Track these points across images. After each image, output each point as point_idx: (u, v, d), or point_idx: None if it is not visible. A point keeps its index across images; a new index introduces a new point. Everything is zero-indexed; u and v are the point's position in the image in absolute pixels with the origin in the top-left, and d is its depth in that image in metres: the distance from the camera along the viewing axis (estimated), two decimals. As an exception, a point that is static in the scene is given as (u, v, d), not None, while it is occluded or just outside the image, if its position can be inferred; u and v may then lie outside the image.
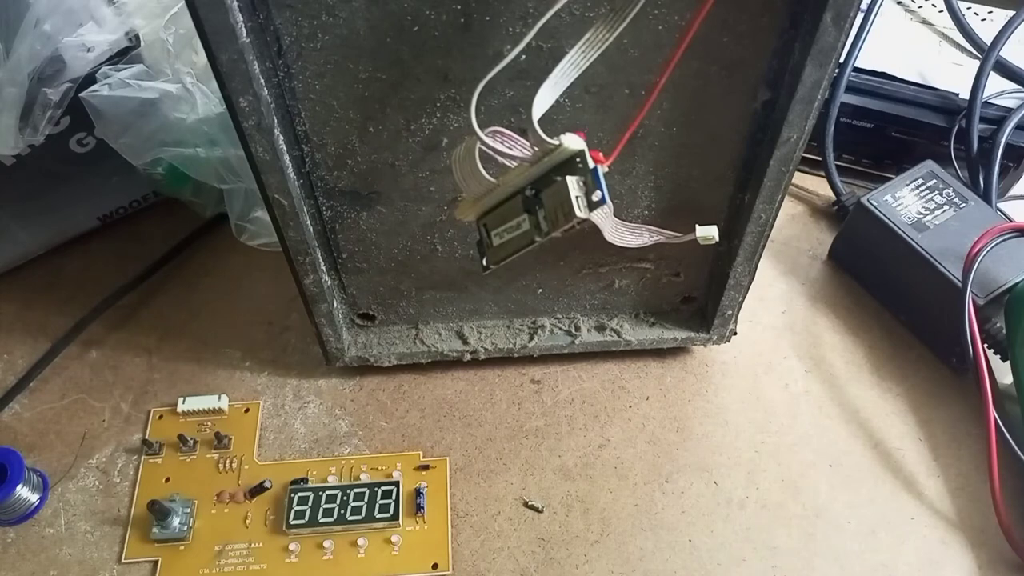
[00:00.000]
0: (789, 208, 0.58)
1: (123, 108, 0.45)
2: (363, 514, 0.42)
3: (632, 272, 0.45)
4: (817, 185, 0.59)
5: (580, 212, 0.27)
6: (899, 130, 0.55)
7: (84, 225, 0.55)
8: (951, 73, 0.57)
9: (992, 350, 0.47)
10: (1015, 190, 0.56)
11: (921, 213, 0.49)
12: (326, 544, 0.42)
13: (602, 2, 0.30)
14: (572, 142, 0.27)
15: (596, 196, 0.27)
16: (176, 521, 0.42)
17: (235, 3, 0.28)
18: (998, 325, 0.46)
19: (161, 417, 0.47)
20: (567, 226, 0.27)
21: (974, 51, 0.59)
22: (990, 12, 0.61)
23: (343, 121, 0.34)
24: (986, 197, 0.52)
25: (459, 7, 0.30)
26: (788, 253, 0.55)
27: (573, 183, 0.27)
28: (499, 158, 0.29)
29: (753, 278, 0.43)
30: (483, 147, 0.29)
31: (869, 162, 0.58)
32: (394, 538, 0.42)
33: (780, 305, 0.53)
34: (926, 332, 0.50)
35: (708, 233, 0.33)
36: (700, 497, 0.44)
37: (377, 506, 0.43)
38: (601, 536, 0.43)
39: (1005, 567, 0.42)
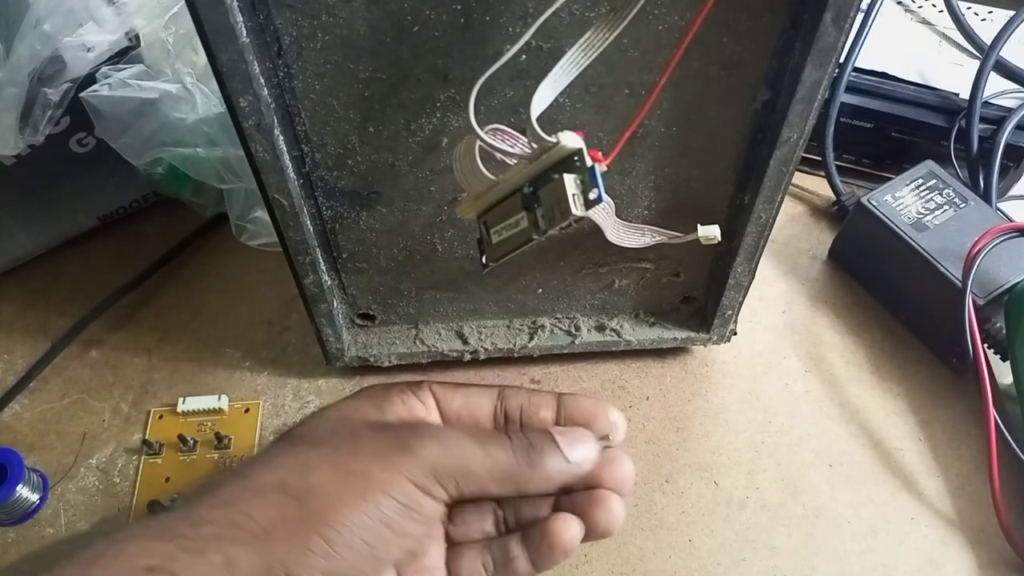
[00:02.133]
0: (789, 208, 0.58)
1: (123, 108, 0.45)
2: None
3: (632, 272, 0.45)
4: (817, 185, 0.59)
5: (576, 210, 0.27)
6: (899, 130, 0.55)
7: (84, 225, 0.55)
8: (951, 73, 0.57)
9: (992, 350, 0.47)
10: (1015, 190, 0.56)
11: (921, 213, 0.49)
12: (326, 544, 0.42)
13: (602, 2, 0.30)
14: (570, 140, 0.27)
15: (593, 194, 0.27)
16: (176, 521, 0.42)
17: (235, 3, 0.28)
18: (998, 325, 0.46)
19: (161, 417, 0.47)
20: (564, 224, 0.27)
21: (974, 51, 0.59)
22: (990, 12, 0.61)
23: (343, 121, 0.34)
24: (986, 197, 0.52)
25: (459, 7, 0.30)
26: (788, 253, 0.55)
27: (570, 181, 0.27)
28: (499, 156, 0.29)
29: (753, 278, 0.43)
30: (483, 145, 0.29)
31: (869, 162, 0.58)
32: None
33: (780, 305, 0.53)
34: (926, 332, 0.50)
35: (710, 233, 0.33)
36: (700, 497, 0.44)
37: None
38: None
39: (1005, 567, 0.42)
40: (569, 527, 0.30)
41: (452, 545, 0.33)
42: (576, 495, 0.31)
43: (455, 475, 0.29)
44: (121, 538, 0.25)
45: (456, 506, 0.33)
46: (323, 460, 0.28)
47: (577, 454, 0.31)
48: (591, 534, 0.31)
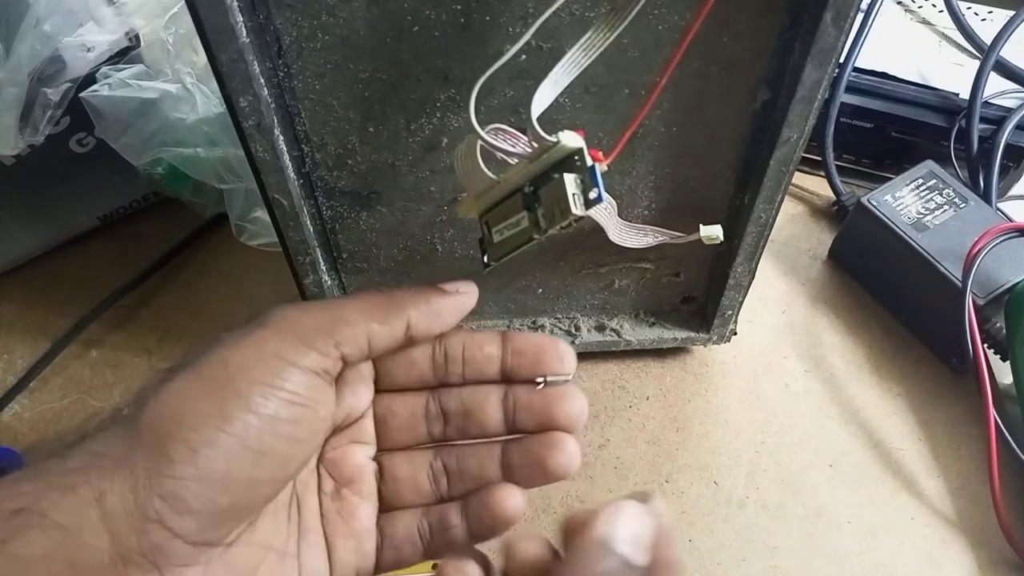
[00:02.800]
0: (789, 208, 0.58)
1: (123, 108, 0.45)
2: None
3: (632, 272, 0.45)
4: (817, 185, 0.59)
5: (576, 210, 0.27)
6: (899, 130, 0.55)
7: (84, 225, 0.55)
8: (951, 73, 0.57)
9: (992, 350, 0.47)
10: (1015, 190, 0.56)
11: (921, 213, 0.49)
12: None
13: (602, 2, 0.30)
14: (570, 140, 0.27)
15: (593, 194, 0.27)
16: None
17: (235, 3, 0.28)
18: (998, 325, 0.46)
19: (161, 417, 0.47)
20: (564, 223, 0.27)
21: (974, 51, 0.59)
22: (990, 12, 0.61)
23: (343, 121, 0.34)
24: (986, 197, 0.52)
25: (459, 7, 0.30)
26: (788, 253, 0.55)
27: (570, 180, 0.27)
28: (500, 155, 0.29)
29: (753, 278, 0.43)
30: (484, 144, 0.29)
31: (869, 162, 0.58)
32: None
33: (780, 305, 0.53)
34: (926, 332, 0.50)
35: (712, 233, 0.33)
36: (700, 497, 0.44)
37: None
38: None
39: (1005, 567, 0.42)
40: (512, 496, 0.29)
41: (386, 509, 0.31)
42: (528, 440, 0.29)
43: (323, 328, 0.26)
44: None
45: (385, 455, 0.31)
46: (179, 371, 0.25)
47: (455, 284, 0.30)
48: (548, 478, 0.29)
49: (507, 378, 0.30)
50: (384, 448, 0.31)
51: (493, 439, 0.30)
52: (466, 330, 0.31)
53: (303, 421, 0.26)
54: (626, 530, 0.24)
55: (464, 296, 0.30)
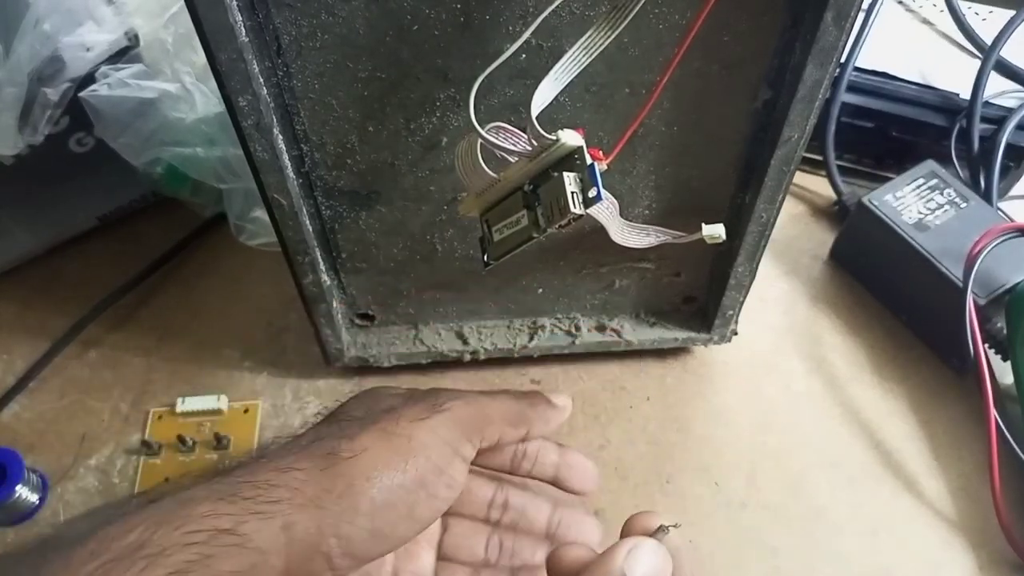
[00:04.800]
0: (790, 208, 0.58)
1: (122, 108, 0.45)
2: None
3: (633, 272, 0.44)
4: (818, 185, 0.58)
5: (575, 208, 0.27)
6: (900, 130, 0.55)
7: (83, 225, 0.55)
8: (952, 73, 0.57)
9: (993, 350, 0.47)
10: (1016, 190, 0.56)
11: (922, 213, 0.49)
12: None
13: (602, 0, 0.30)
14: (570, 138, 0.27)
15: (592, 192, 0.27)
16: (175, 521, 0.42)
17: (234, 2, 0.28)
18: (999, 325, 0.46)
19: (160, 417, 0.47)
20: (563, 222, 0.27)
21: (975, 51, 0.58)
22: (991, 12, 0.61)
23: (342, 120, 0.34)
24: (987, 197, 0.52)
25: (459, 6, 0.30)
26: (789, 253, 0.55)
27: (569, 179, 0.27)
28: (500, 154, 0.29)
29: (754, 278, 0.43)
30: (484, 143, 0.29)
31: (870, 162, 0.58)
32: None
33: (781, 305, 0.53)
34: (927, 332, 0.50)
35: (714, 232, 0.33)
36: (701, 498, 0.44)
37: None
38: (602, 537, 0.43)
39: (1007, 568, 0.42)
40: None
41: (442, 558, 0.35)
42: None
43: (478, 424, 0.32)
44: (186, 498, 0.27)
45: (452, 516, 0.35)
46: (366, 428, 0.30)
47: (559, 400, 0.37)
48: None
49: (557, 483, 0.38)
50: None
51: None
52: (541, 440, 0.38)
53: (448, 501, 0.31)
54: (643, 569, 0.26)
55: (565, 410, 0.37)
